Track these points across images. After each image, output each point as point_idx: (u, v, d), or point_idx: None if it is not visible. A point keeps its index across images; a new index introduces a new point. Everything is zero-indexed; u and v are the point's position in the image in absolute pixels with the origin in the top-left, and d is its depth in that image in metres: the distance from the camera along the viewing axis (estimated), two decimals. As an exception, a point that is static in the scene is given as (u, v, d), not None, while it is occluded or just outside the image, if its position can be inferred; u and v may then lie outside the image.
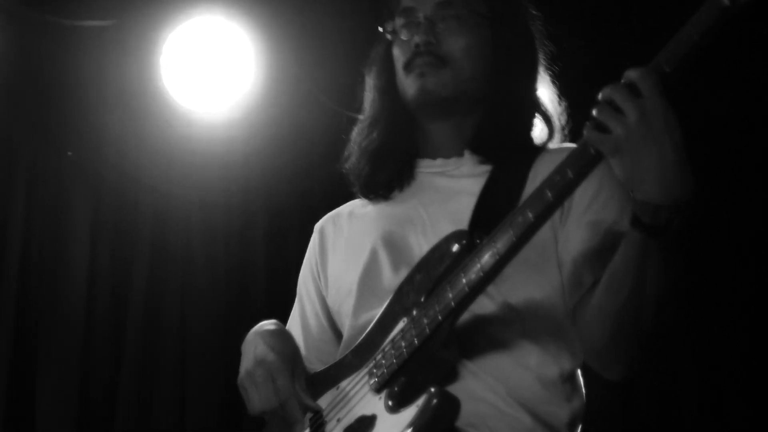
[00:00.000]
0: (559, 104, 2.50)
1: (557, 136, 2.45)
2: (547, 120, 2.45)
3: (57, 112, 4.53)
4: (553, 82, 2.51)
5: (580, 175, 1.95)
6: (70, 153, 4.48)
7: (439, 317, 2.08)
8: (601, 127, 1.88)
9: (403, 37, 2.42)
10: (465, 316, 2.13)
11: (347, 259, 2.44)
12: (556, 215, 2.20)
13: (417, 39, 2.37)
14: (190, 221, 4.79)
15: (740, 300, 4.79)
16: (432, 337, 2.09)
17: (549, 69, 2.51)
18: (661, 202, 1.87)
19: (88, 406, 4.50)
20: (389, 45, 2.48)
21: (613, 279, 2.05)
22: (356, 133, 2.53)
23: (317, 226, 2.60)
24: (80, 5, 4.37)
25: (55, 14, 4.36)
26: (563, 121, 2.47)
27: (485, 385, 2.17)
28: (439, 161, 2.44)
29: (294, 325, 2.56)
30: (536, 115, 2.44)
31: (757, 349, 4.73)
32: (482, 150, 2.39)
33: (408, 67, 2.39)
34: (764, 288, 4.75)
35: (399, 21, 2.44)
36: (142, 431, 4.55)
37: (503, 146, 2.37)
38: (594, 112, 1.88)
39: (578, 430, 2.28)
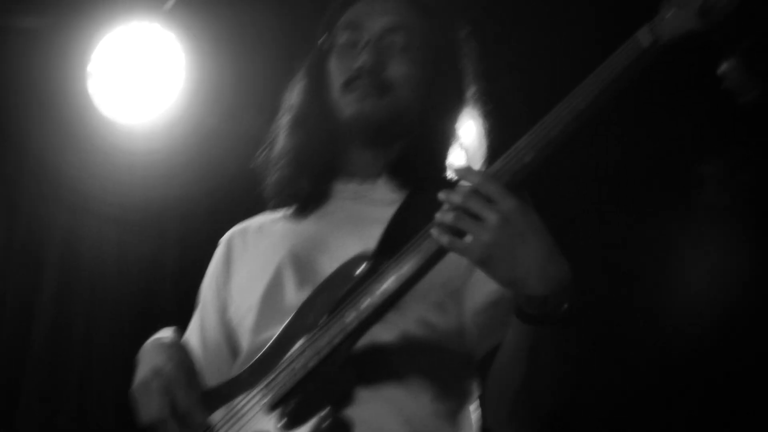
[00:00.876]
0: (484, 139, 2.52)
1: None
2: (466, 154, 2.47)
3: None
4: (483, 118, 2.54)
5: None
6: None
7: (337, 340, 2.08)
8: (460, 233, 1.90)
9: (344, 53, 2.42)
10: (364, 342, 2.12)
11: (252, 275, 2.42)
12: (464, 259, 2.17)
13: (363, 60, 2.36)
14: (104, 235, 4.74)
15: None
16: (328, 359, 2.09)
17: (479, 105, 2.53)
18: (545, 294, 1.89)
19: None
20: (324, 54, 2.47)
21: (506, 365, 2.07)
22: (277, 131, 2.52)
23: (224, 238, 2.58)
24: (10, 5, 4.31)
25: None
26: (482, 157, 2.49)
27: (380, 412, 2.16)
28: (353, 184, 2.44)
29: (192, 335, 2.54)
30: (454, 149, 2.46)
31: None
32: (399, 177, 2.40)
33: (348, 86, 2.38)
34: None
35: (343, 36, 2.44)
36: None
37: (419, 176, 2.38)
38: (449, 219, 1.90)
39: None
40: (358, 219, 2.37)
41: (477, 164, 2.47)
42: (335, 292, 2.16)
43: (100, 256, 4.72)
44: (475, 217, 1.88)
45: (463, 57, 2.53)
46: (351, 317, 2.07)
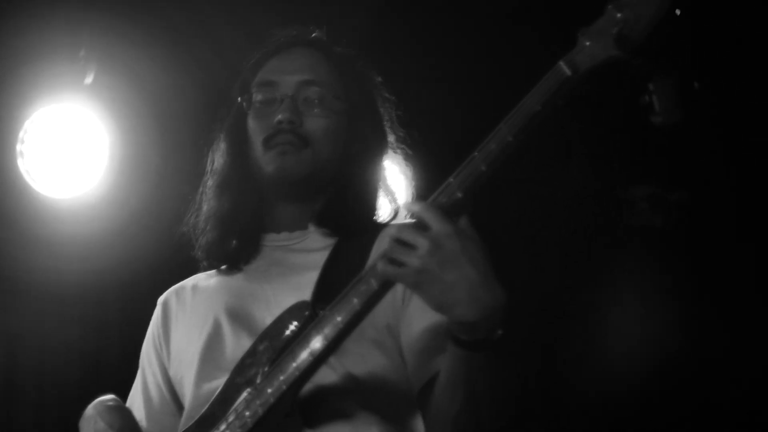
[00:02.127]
0: (409, 181, 2.55)
1: (401, 213, 2.50)
2: (391, 198, 2.51)
3: None
4: (406, 162, 2.57)
5: None
6: None
7: (283, 387, 2.09)
8: (396, 263, 1.93)
9: (262, 111, 2.43)
10: (308, 386, 2.14)
11: (190, 331, 2.43)
12: (398, 295, 2.25)
13: (281, 116, 2.38)
14: (45, 312, 4.72)
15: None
16: (276, 406, 2.10)
17: (400, 150, 2.58)
18: (477, 319, 1.91)
19: None
20: (243, 114, 2.48)
21: (444, 391, 2.10)
22: (203, 194, 2.54)
23: (161, 300, 2.59)
24: None
25: None
26: (408, 197, 2.52)
27: None
28: (283, 235, 2.46)
29: (136, 396, 2.54)
30: (381, 193, 2.50)
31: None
32: (327, 225, 2.42)
33: (268, 143, 2.39)
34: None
35: (258, 95, 2.46)
36: None
37: (347, 222, 2.41)
38: (386, 250, 1.95)
39: None
40: (291, 267, 2.39)
41: (402, 206, 2.51)
42: (276, 342, 2.17)
43: (42, 333, 4.71)
44: (410, 246, 1.91)
45: (380, 104, 2.56)
46: (295, 364, 2.08)
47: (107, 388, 2.53)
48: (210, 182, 2.54)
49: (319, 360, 2.08)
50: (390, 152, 2.55)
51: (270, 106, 2.42)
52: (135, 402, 2.53)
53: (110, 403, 2.33)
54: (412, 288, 1.94)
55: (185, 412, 2.38)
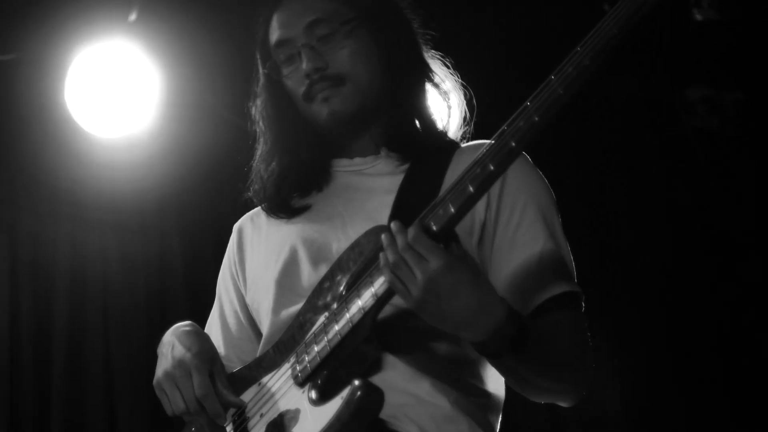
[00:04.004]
0: (465, 93, 2.52)
1: (465, 128, 2.49)
2: (450, 109, 2.48)
3: None
4: (451, 72, 2.53)
5: (501, 167, 1.99)
6: None
7: (362, 312, 2.10)
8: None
9: (290, 71, 2.40)
10: (387, 309, 2.14)
11: (266, 257, 2.43)
12: (476, 234, 2.24)
13: (305, 69, 2.35)
14: (108, 249, 4.77)
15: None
16: (354, 331, 2.11)
17: (440, 58, 2.52)
18: (482, 339, 2.01)
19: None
20: (276, 80, 2.45)
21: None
22: (256, 164, 2.52)
23: (236, 226, 2.59)
24: None
25: None
26: (466, 109, 2.50)
27: (405, 376, 2.19)
28: (356, 160, 2.44)
29: (213, 324, 2.56)
30: (440, 104, 2.46)
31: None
32: (399, 148, 2.39)
33: (308, 97, 2.38)
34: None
35: (278, 57, 2.43)
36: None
37: (417, 144, 2.39)
38: (391, 261, 1.99)
39: (497, 415, 2.32)
40: (365, 191, 2.38)
41: (460, 121, 2.49)
42: (353, 267, 2.18)
43: (106, 265, 4.77)
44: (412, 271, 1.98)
45: (396, 9, 2.51)
46: (373, 289, 2.09)
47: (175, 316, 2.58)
48: (259, 152, 2.52)
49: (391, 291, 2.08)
50: (426, 55, 2.49)
51: (293, 63, 2.40)
52: (213, 329, 2.55)
53: (188, 328, 2.35)
54: (416, 311, 2.02)
55: (263, 338, 2.39)
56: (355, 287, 2.13)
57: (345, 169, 2.45)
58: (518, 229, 2.24)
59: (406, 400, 2.17)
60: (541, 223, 2.25)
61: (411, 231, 1.99)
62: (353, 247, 2.21)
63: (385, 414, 2.10)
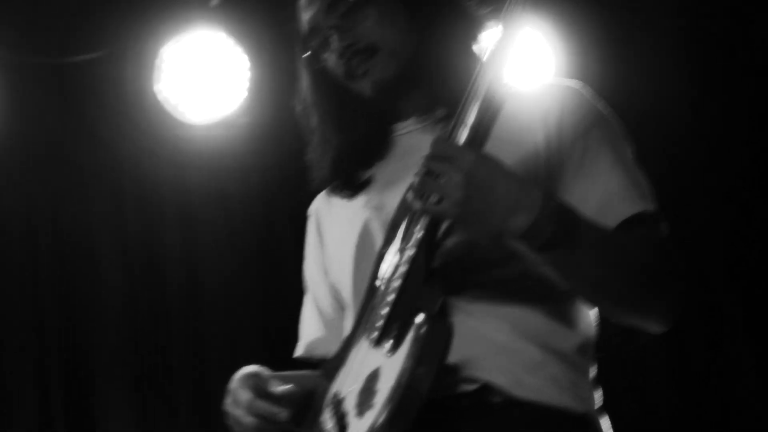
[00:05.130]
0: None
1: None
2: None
3: (68, 150, 4.64)
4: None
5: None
6: None
7: (413, 250, 2.08)
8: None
9: (327, 56, 2.39)
10: (456, 252, 2.13)
11: (341, 234, 2.43)
12: (541, 168, 2.20)
13: (336, 50, 2.34)
14: (217, 226, 4.84)
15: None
16: (411, 274, 2.08)
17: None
18: (534, 219, 1.94)
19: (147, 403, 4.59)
20: (318, 68, 2.44)
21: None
22: (311, 155, 2.51)
23: (310, 210, 2.60)
24: (68, 42, 4.49)
25: (44, 55, 4.47)
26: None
27: (483, 322, 2.15)
28: (411, 120, 2.42)
29: (309, 312, 2.57)
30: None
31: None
32: (449, 102, 2.31)
33: (349, 75, 2.36)
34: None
35: (312, 47, 2.42)
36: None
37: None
38: (416, 184, 1.99)
39: (591, 356, 2.26)
40: (424, 150, 2.26)
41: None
42: (405, 218, 2.16)
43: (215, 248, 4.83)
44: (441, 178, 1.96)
45: None
46: (420, 225, 2.07)
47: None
48: (311, 139, 2.51)
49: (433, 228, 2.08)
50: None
51: (327, 47, 2.38)
52: (309, 317, 2.55)
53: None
54: (457, 223, 2.01)
55: (350, 314, 2.39)
56: (410, 231, 2.11)
57: (402, 132, 2.43)
58: (584, 157, 2.19)
59: (484, 349, 2.14)
60: (607, 148, 2.20)
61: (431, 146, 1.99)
62: (403, 202, 2.20)
63: (463, 363, 2.09)
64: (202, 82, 4.50)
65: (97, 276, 4.66)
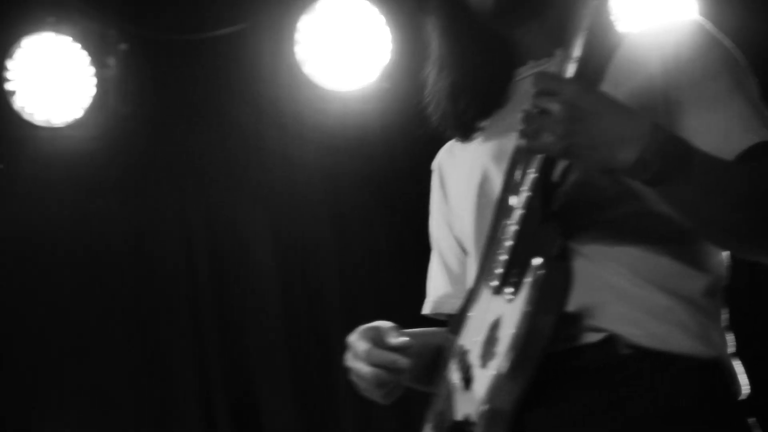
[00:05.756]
0: None
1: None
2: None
3: (211, 124, 4.68)
4: None
5: None
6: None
7: (528, 192, 2.02)
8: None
9: None
10: (573, 193, 2.06)
11: (463, 185, 2.37)
12: (656, 111, 2.08)
13: None
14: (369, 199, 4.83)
15: None
16: (527, 217, 2.03)
17: None
18: (644, 148, 1.87)
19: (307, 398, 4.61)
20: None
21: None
22: (431, 88, 2.44)
23: (434, 164, 2.54)
24: (205, 18, 4.51)
25: (181, 33, 4.50)
26: None
27: (604, 267, 2.07)
28: (529, 63, 2.34)
29: (435, 268, 2.52)
30: None
31: None
32: (570, 44, 2.21)
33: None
34: None
35: None
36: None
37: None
38: (520, 123, 1.93)
39: (722, 299, 2.15)
40: None
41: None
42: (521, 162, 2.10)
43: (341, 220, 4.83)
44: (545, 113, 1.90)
45: None
46: (528, 173, 2.02)
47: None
48: (432, 69, 2.44)
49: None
50: None
51: None
52: (436, 273, 2.51)
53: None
54: (564, 157, 1.95)
55: (472, 265, 2.33)
56: (523, 178, 2.06)
57: (519, 78, 2.35)
58: (704, 88, 2.08)
59: (606, 296, 2.05)
60: (729, 79, 2.08)
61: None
62: (517, 149, 2.13)
63: (584, 312, 2.03)
64: (344, 49, 4.47)
65: (251, 267, 4.70)
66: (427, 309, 2.50)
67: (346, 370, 2.31)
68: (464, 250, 2.41)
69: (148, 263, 4.64)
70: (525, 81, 2.31)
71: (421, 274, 2.55)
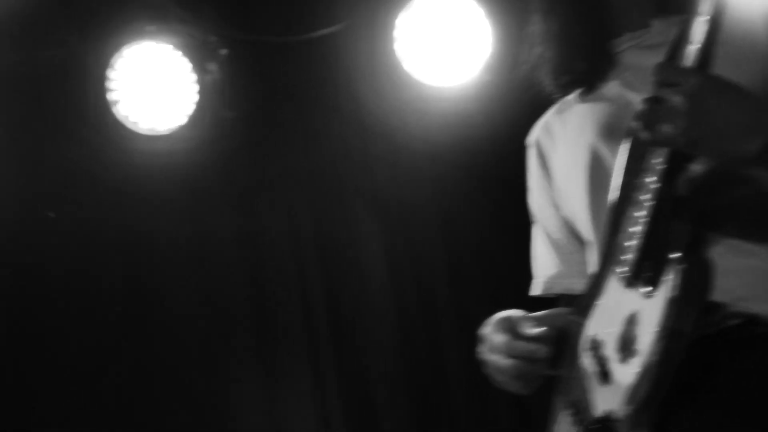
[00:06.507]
0: None
1: None
2: None
3: (314, 125, 4.68)
4: None
5: None
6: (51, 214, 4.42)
7: (657, 183, 1.98)
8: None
9: None
10: (701, 181, 2.00)
11: (569, 164, 2.33)
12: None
13: None
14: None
15: None
16: (656, 207, 1.98)
17: None
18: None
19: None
20: None
21: None
22: (532, 57, 2.42)
23: (531, 140, 2.49)
24: (303, 20, 4.51)
25: (279, 35, 4.51)
26: None
27: (739, 252, 2.04)
28: (626, 36, 2.31)
29: (542, 247, 2.48)
30: None
31: None
32: (668, 15, 2.23)
33: None
34: None
35: None
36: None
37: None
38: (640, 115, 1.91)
39: None
40: (647, 67, 2.19)
41: None
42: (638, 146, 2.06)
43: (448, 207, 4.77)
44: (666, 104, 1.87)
45: None
46: (661, 158, 1.98)
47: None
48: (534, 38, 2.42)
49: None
50: None
51: None
52: (542, 252, 2.47)
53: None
54: (687, 149, 1.91)
55: (593, 245, 2.29)
56: (644, 165, 2.01)
57: (618, 50, 2.32)
58: None
59: (745, 280, 2.02)
60: None
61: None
62: (631, 130, 2.07)
63: (724, 297, 1.98)
64: (443, 45, 4.42)
65: (361, 266, 4.70)
66: (537, 289, 2.47)
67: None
68: (576, 231, 2.37)
69: (259, 268, 4.66)
70: (624, 54, 2.29)
71: (527, 274, 2.52)
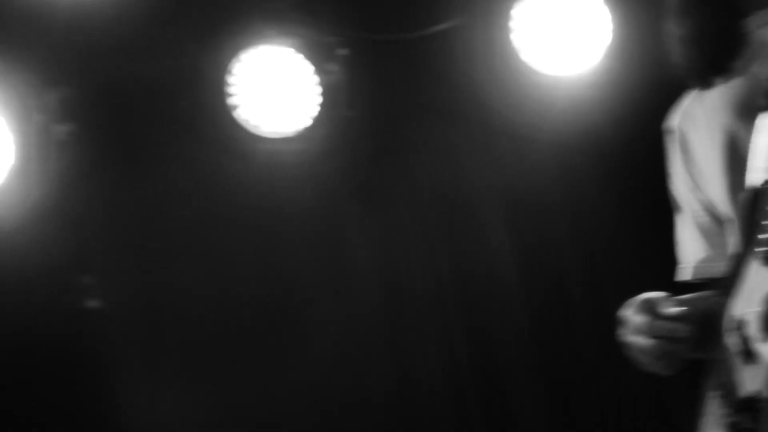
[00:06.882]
0: None
1: None
2: None
3: (437, 121, 4.69)
4: None
5: None
6: None
7: None
8: None
9: None
10: None
11: (706, 145, 2.34)
12: None
13: None
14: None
15: None
16: None
17: None
18: None
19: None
20: None
21: None
22: (669, 35, 2.41)
23: (670, 126, 2.49)
24: (419, 16, 4.52)
25: (397, 33, 4.53)
26: None
27: None
28: (757, 15, 2.30)
29: (688, 232, 2.47)
30: None
31: None
32: None
33: None
34: None
35: None
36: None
37: None
38: None
39: None
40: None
41: None
42: None
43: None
44: None
45: None
46: None
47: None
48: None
49: None
50: None
51: None
52: (689, 237, 2.46)
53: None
54: None
55: (732, 228, 2.29)
56: None
57: (749, 29, 2.30)
58: None
59: None
60: None
61: None
62: None
63: None
64: (562, 33, 4.39)
65: (492, 263, 4.68)
66: (687, 275, 2.46)
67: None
68: (717, 212, 2.37)
69: (391, 267, 4.68)
70: (758, 33, 2.28)
71: (662, 261, 2.51)
